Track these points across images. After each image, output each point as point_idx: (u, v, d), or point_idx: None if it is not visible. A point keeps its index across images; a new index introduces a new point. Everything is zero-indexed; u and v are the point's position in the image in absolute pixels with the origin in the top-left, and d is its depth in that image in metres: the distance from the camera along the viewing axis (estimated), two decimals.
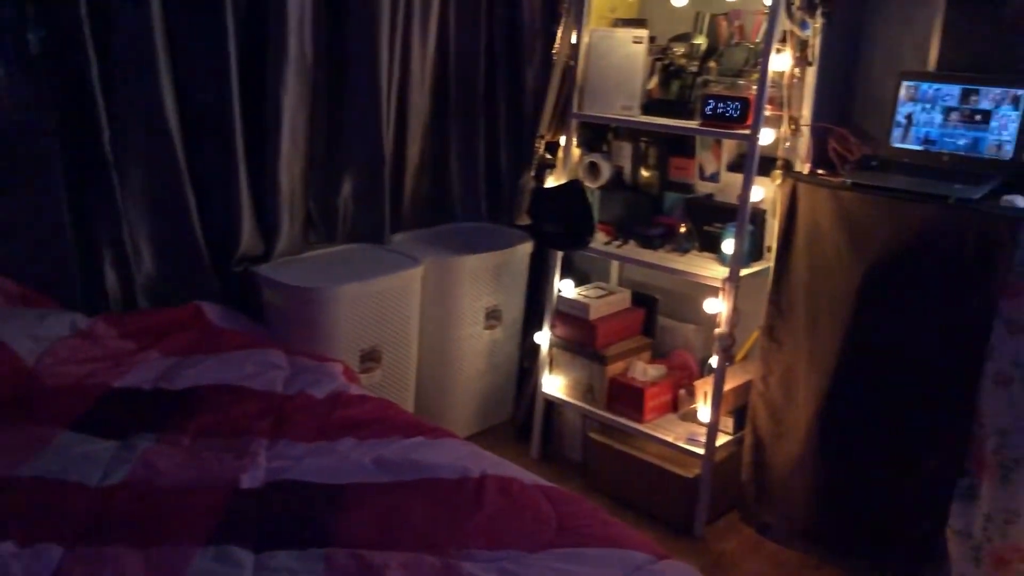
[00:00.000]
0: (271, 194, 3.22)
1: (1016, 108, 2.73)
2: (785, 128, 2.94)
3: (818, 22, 2.85)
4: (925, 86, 2.91)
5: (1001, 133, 2.76)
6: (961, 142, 2.84)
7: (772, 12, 2.75)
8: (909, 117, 2.95)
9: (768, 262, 3.07)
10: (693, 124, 3.04)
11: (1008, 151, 2.75)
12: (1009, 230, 2.46)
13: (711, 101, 2.99)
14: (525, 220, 3.44)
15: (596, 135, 3.47)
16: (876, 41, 3.06)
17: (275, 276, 3.17)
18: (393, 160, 3.61)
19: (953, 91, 2.85)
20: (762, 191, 3.05)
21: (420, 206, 3.83)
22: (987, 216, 2.52)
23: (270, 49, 3.09)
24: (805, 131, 2.99)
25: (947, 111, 2.87)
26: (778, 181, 2.98)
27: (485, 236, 3.80)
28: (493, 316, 3.67)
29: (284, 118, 3.15)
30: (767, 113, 2.90)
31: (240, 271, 3.22)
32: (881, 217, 2.72)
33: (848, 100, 3.15)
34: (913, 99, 2.94)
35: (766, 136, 2.89)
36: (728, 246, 3.00)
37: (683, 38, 3.29)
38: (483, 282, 3.60)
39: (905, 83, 2.95)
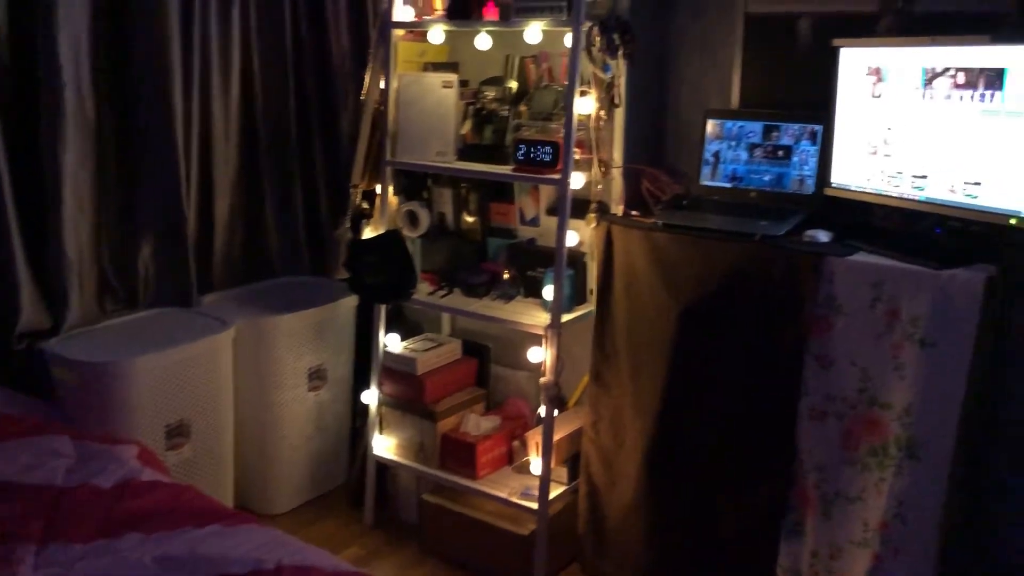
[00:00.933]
0: (55, 262, 2.93)
1: (814, 143, 2.78)
2: (596, 171, 2.90)
3: (621, 64, 2.83)
4: (730, 124, 2.94)
5: (802, 168, 2.80)
6: (766, 178, 2.87)
7: (572, 55, 2.71)
8: (716, 155, 2.96)
9: (592, 305, 3.01)
10: (507, 169, 2.96)
11: (810, 185, 2.79)
12: (813, 265, 2.48)
13: (522, 146, 2.92)
14: (343, 274, 3.27)
15: (415, 182, 3.35)
16: (682, 80, 3.08)
17: (63, 351, 2.88)
18: (199, 216, 3.38)
19: (756, 128, 2.88)
20: (578, 235, 3.00)
21: (234, 263, 3.60)
22: (791, 252, 2.53)
23: (42, 101, 2.82)
24: (617, 173, 2.96)
25: (751, 148, 2.90)
26: (593, 224, 2.93)
27: (307, 291, 3.61)
28: (317, 376, 3.47)
29: (64, 177, 2.88)
30: (577, 156, 2.85)
31: (23, 348, 2.91)
32: (693, 257, 2.71)
33: (658, 140, 3.15)
34: (719, 137, 2.96)
35: (577, 180, 2.84)
36: (549, 292, 2.92)
37: (494, 82, 3.22)
38: (304, 341, 3.40)
39: (710, 121, 2.97)
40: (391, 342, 3.36)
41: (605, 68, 2.79)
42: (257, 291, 3.62)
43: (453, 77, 3.11)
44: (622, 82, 2.88)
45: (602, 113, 2.84)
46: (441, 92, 3.11)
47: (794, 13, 2.81)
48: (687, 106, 3.09)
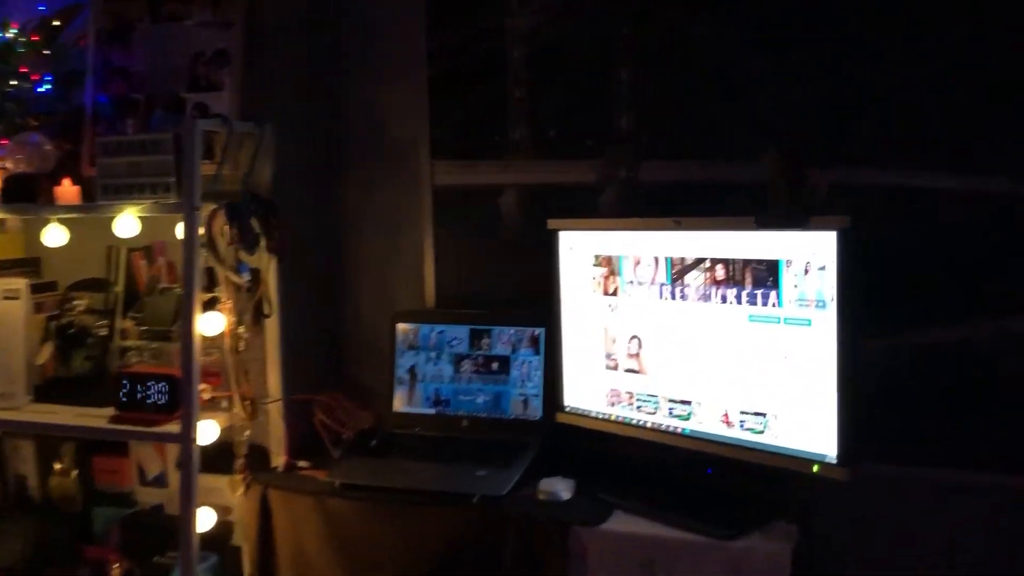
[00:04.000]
0: None
1: (537, 352, 2.08)
2: (239, 410, 2.00)
3: (267, 259, 2.00)
4: (426, 329, 2.18)
5: (525, 385, 2.09)
6: (480, 400, 2.13)
7: (187, 253, 1.84)
8: (412, 371, 2.19)
9: None
10: (104, 416, 1.97)
11: (536, 408, 2.07)
12: (557, 539, 1.72)
13: (126, 382, 1.96)
14: None
15: None
16: (361, 275, 2.31)
17: None
18: None
19: (460, 333, 2.15)
20: (222, 502, 2.05)
21: None
22: (526, 523, 1.76)
23: None
24: (275, 409, 2.08)
25: (457, 360, 2.15)
26: (240, 490, 2.00)
27: None
28: None
29: None
30: (207, 395, 1.94)
31: None
32: (387, 534, 1.86)
33: (335, 356, 2.33)
34: (414, 347, 2.19)
35: (208, 430, 1.91)
36: None
37: (92, 285, 2.25)
38: None
39: (401, 326, 2.20)
40: None
41: (240, 268, 1.94)
42: None
43: (21, 284, 2.10)
44: (272, 284, 2.04)
45: (242, 330, 1.97)
46: (2, 306, 2.09)
47: (494, 186, 2.16)
48: (371, 308, 2.31)
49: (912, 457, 1.81)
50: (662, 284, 1.80)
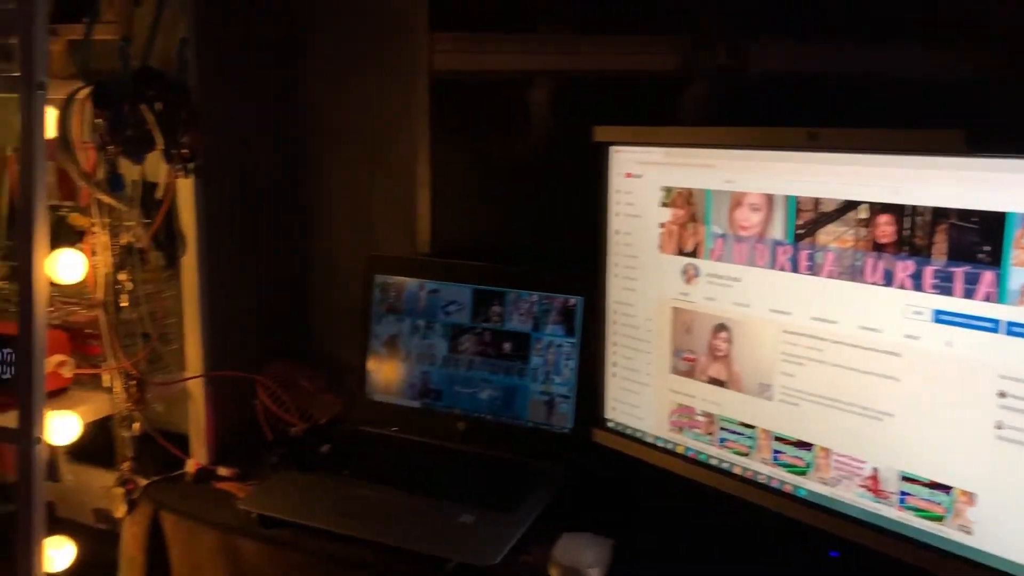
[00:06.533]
0: None
1: (570, 331, 1.38)
2: (119, 388, 1.35)
3: (171, 174, 1.32)
4: (413, 286, 1.49)
5: (550, 379, 1.39)
6: (485, 395, 1.44)
7: (25, 155, 1.16)
8: (393, 343, 1.51)
9: None
10: None
11: (565, 415, 1.38)
12: None
13: None
14: None
15: None
16: (329, 205, 1.61)
17: None
18: None
19: (460, 294, 1.45)
20: (69, 550, 1.44)
21: None
22: None
23: None
24: (195, 389, 1.43)
25: (455, 333, 1.46)
26: (122, 510, 1.37)
27: None
28: None
29: None
30: (69, 372, 1.30)
31: None
32: None
33: (294, 315, 1.67)
34: (396, 310, 1.51)
35: (64, 427, 1.27)
36: None
37: None
38: None
39: (378, 278, 1.52)
40: None
41: (113, 183, 1.27)
42: None
43: None
44: (188, 210, 1.38)
45: (124, 277, 1.31)
46: None
47: (518, 73, 1.42)
48: (346, 249, 1.63)
49: None
50: (777, 242, 1.06)
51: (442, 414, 1.47)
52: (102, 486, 1.54)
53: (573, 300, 1.37)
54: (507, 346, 1.42)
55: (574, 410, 1.37)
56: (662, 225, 1.18)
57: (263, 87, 1.57)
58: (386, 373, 1.51)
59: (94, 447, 1.55)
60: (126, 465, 1.37)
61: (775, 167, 1.06)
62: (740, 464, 1.13)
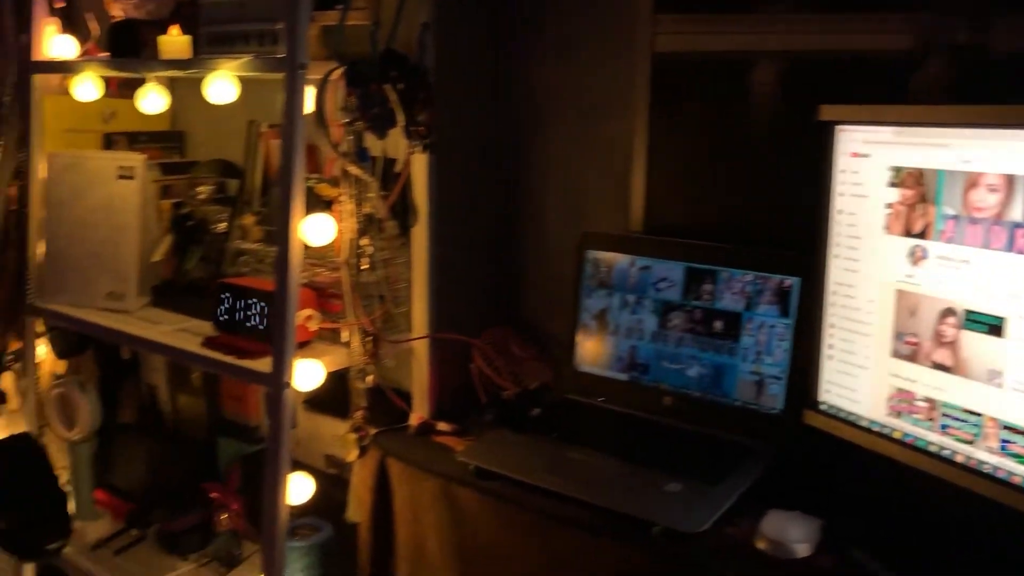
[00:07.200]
0: None
1: (784, 312, 1.37)
2: (357, 343, 1.48)
3: (409, 149, 1.44)
4: (624, 262, 1.54)
5: (761, 359, 1.39)
6: (693, 372, 1.46)
7: (286, 128, 1.31)
8: (602, 317, 1.56)
9: None
10: (196, 339, 1.54)
11: (776, 397, 1.38)
12: None
13: (227, 295, 1.52)
14: None
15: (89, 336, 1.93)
16: (544, 181, 1.69)
17: None
18: None
19: (672, 272, 1.48)
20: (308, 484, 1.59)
21: None
22: None
23: None
24: (419, 349, 1.55)
25: (665, 310, 1.49)
26: (354, 454, 1.51)
27: None
28: None
29: None
30: (314, 325, 1.45)
31: None
32: (529, 549, 1.29)
33: (506, 284, 1.75)
34: (606, 284, 1.56)
35: (310, 374, 1.42)
36: None
37: (223, 167, 1.83)
38: None
39: (589, 254, 1.57)
40: None
41: (361, 156, 1.39)
42: None
43: (137, 160, 1.72)
44: (420, 182, 1.49)
45: (365, 242, 1.44)
46: (115, 187, 1.72)
47: (742, 54, 1.42)
48: (557, 224, 1.70)
49: None
50: (1017, 225, 1.02)
51: (648, 388, 1.51)
52: (333, 434, 1.71)
53: (789, 281, 1.36)
54: (718, 324, 1.43)
55: (785, 391, 1.37)
56: (889, 206, 1.16)
57: (490, 67, 1.66)
58: (594, 345, 1.57)
59: (327, 398, 1.72)
60: (359, 414, 1.51)
61: (1018, 147, 1.02)
62: (963, 452, 1.09)
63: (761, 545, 1.16)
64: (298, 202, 1.34)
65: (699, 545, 1.16)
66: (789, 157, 1.39)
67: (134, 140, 1.89)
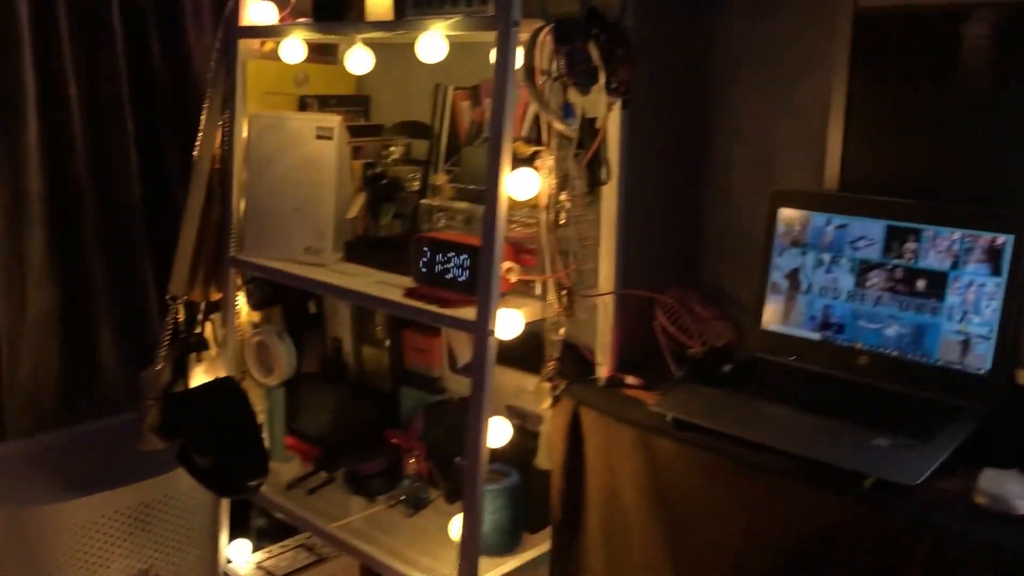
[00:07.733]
0: None
1: (996, 271, 1.35)
2: (555, 301, 1.53)
3: (604, 104, 1.47)
4: (820, 220, 1.53)
5: (968, 319, 1.37)
6: (892, 331, 1.45)
7: (498, 85, 1.36)
8: (795, 277, 1.56)
9: (546, 546, 1.64)
10: (399, 289, 1.62)
11: (983, 357, 1.35)
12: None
13: (427, 249, 1.59)
14: (155, 444, 1.98)
15: (281, 289, 2.04)
16: (735, 137, 1.69)
17: None
18: None
19: (872, 230, 1.47)
20: (507, 428, 1.65)
21: (45, 394, 2.35)
22: (945, 538, 1.11)
23: None
24: (605, 304, 1.59)
25: (863, 270, 1.48)
26: (547, 403, 1.56)
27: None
28: None
29: None
30: (513, 277, 1.50)
31: None
32: (731, 501, 1.31)
33: (690, 244, 1.77)
34: (799, 243, 1.55)
35: (510, 322, 1.47)
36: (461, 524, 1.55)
37: (413, 130, 1.90)
38: (117, 535, 2.11)
39: (784, 214, 1.57)
40: (238, 553, 2.06)
41: (566, 112, 1.43)
42: (79, 437, 2.36)
43: (334, 121, 1.81)
44: (613, 139, 1.52)
45: (564, 198, 1.48)
46: (314, 146, 1.82)
47: (955, 6, 1.39)
48: (745, 183, 1.70)
49: None
50: None
51: (843, 348, 1.50)
52: (517, 386, 1.77)
53: (1002, 239, 1.33)
54: (921, 283, 1.41)
55: (994, 351, 1.34)
56: None
57: (686, 25, 1.67)
58: (784, 305, 1.57)
59: (508, 351, 1.78)
60: (552, 365, 1.56)
61: None
62: None
63: (980, 499, 1.15)
64: (506, 158, 1.40)
65: (914, 498, 1.16)
66: (1004, 112, 1.35)
67: (324, 103, 1.98)
